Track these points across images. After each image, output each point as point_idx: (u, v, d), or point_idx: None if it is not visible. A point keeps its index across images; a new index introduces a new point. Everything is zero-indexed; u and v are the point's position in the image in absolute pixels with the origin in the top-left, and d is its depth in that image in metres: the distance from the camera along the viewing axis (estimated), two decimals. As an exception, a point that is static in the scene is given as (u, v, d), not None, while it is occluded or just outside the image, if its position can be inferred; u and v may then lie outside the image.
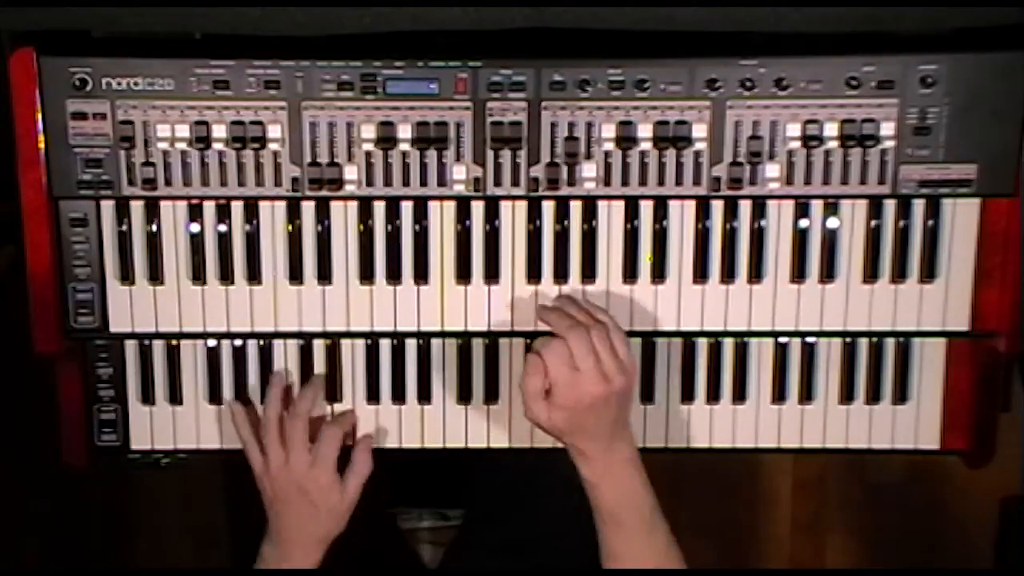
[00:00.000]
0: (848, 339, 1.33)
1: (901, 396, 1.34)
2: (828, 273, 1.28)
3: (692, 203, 1.27)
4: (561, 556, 1.46)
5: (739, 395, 1.34)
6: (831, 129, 1.24)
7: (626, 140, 1.24)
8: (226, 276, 1.28)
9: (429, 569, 1.59)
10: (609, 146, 1.24)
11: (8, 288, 1.37)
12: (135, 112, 1.22)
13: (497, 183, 1.25)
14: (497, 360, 1.33)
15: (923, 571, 2.11)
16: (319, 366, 1.33)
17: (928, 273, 1.28)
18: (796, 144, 1.24)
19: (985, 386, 1.33)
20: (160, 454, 1.36)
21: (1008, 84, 1.22)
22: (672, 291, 1.29)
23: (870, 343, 1.33)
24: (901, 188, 1.26)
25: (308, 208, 1.27)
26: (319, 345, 1.33)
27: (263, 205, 1.27)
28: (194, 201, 1.27)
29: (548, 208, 1.28)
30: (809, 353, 1.33)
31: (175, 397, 1.33)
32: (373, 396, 1.34)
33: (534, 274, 1.28)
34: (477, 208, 1.27)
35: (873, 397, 1.34)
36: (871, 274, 1.28)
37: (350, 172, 1.25)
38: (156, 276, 1.28)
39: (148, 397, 1.33)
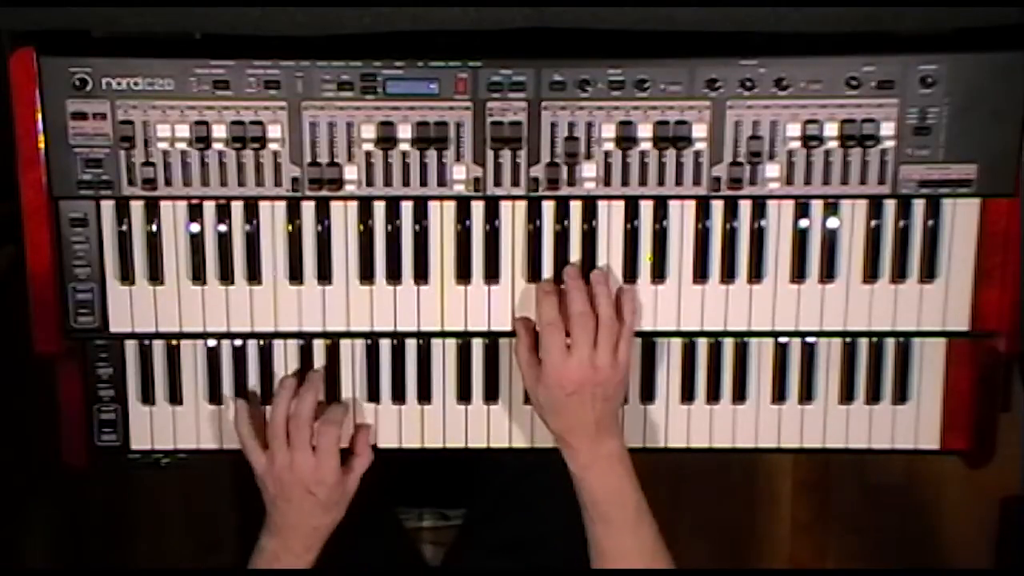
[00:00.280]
0: (848, 339, 1.33)
1: (901, 396, 1.34)
2: (828, 273, 1.28)
3: (692, 203, 1.27)
4: (561, 556, 1.46)
5: (739, 395, 1.34)
6: (831, 129, 1.24)
7: (626, 140, 1.24)
8: (226, 276, 1.28)
9: (429, 569, 1.59)
10: (609, 146, 1.24)
11: (8, 288, 1.37)
12: (135, 112, 1.22)
13: (497, 183, 1.25)
14: (497, 360, 1.33)
15: (923, 571, 2.11)
16: (319, 366, 1.33)
17: (928, 273, 1.28)
18: (796, 144, 1.24)
19: (985, 386, 1.33)
20: (160, 454, 1.36)
21: (1008, 84, 1.22)
22: (672, 291, 1.29)
23: (870, 343, 1.33)
24: (901, 188, 1.26)
25: (308, 208, 1.27)
26: (319, 345, 1.33)
27: (263, 205, 1.27)
28: (194, 201, 1.27)
29: (548, 208, 1.28)
30: (809, 353, 1.33)
31: (175, 397, 1.34)
32: (373, 396, 1.34)
33: (534, 274, 1.28)
34: (477, 208, 1.27)
35: (873, 397, 1.34)
36: (871, 274, 1.28)
37: (350, 172, 1.25)
38: (156, 276, 1.28)
39: (148, 397, 1.33)
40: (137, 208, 1.26)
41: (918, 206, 1.27)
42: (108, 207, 1.26)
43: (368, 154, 1.24)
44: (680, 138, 1.24)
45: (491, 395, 1.34)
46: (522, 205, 1.27)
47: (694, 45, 1.22)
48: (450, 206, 1.27)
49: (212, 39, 1.22)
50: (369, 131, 1.24)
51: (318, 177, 1.25)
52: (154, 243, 1.27)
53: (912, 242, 1.28)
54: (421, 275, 1.28)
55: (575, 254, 1.28)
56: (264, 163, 1.24)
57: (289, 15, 1.16)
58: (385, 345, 1.33)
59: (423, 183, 1.25)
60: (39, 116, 1.22)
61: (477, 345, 1.33)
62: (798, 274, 1.29)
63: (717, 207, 1.27)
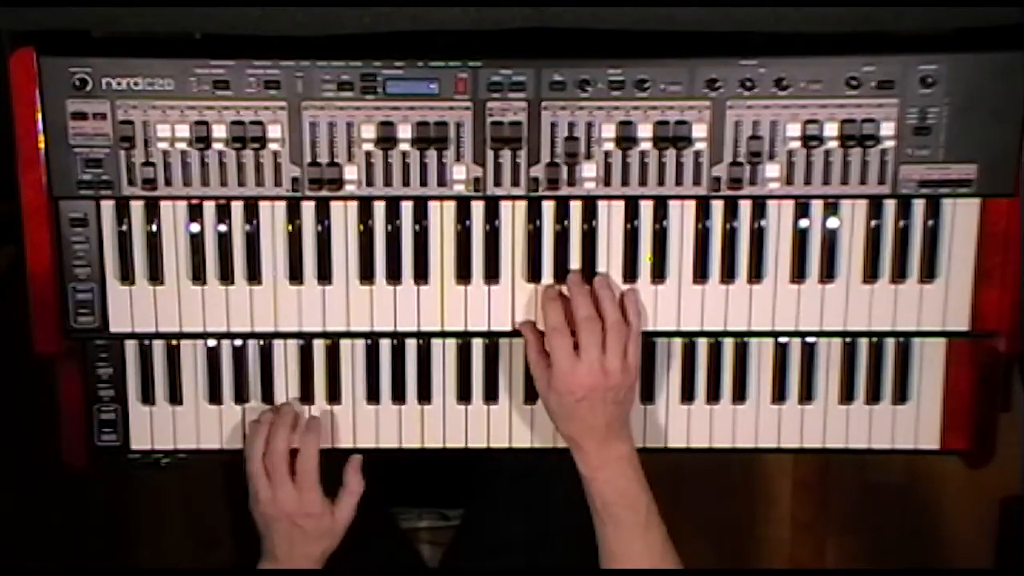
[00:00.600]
0: (848, 339, 1.33)
1: (901, 396, 1.34)
2: (828, 273, 1.28)
3: (692, 203, 1.27)
4: (561, 556, 1.46)
5: (739, 395, 1.34)
6: (831, 129, 1.24)
7: (626, 140, 1.24)
8: (226, 276, 1.28)
9: (429, 569, 1.59)
10: (609, 146, 1.24)
11: (8, 288, 1.37)
12: (135, 112, 1.22)
13: (497, 183, 1.25)
14: (497, 360, 1.33)
15: (923, 571, 2.11)
16: (319, 366, 1.33)
17: (928, 273, 1.28)
18: (796, 144, 1.24)
19: (985, 386, 1.33)
20: (160, 454, 1.36)
21: (1008, 84, 1.22)
22: (672, 291, 1.29)
23: (870, 343, 1.33)
24: (901, 188, 1.25)
25: (308, 208, 1.27)
26: (319, 345, 1.33)
27: (263, 205, 1.27)
28: (194, 201, 1.27)
29: (548, 208, 1.28)
30: (809, 353, 1.33)
31: (175, 397, 1.34)
32: (373, 396, 1.34)
33: (534, 274, 1.28)
34: (477, 208, 1.27)
35: (873, 397, 1.34)
36: (871, 274, 1.28)
37: (350, 172, 1.25)
38: (156, 276, 1.28)
39: (148, 397, 1.33)
40: (137, 208, 1.26)
41: (918, 206, 1.27)
42: (108, 207, 1.26)
43: (368, 154, 1.24)
44: (680, 138, 1.24)
45: (491, 395, 1.34)
46: (522, 205, 1.27)
47: (694, 45, 1.22)
48: (450, 206, 1.27)
49: (212, 39, 1.22)
50: (369, 131, 1.24)
51: (318, 177, 1.25)
52: (154, 243, 1.27)
53: (912, 242, 1.28)
54: (421, 275, 1.28)
55: (575, 254, 1.28)
56: (264, 163, 1.24)
57: (289, 15, 1.15)
58: (385, 345, 1.33)
59: (423, 183, 1.25)
60: (39, 116, 1.22)
61: (477, 345, 1.33)
62: (798, 274, 1.29)
63: (717, 207, 1.27)
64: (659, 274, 1.28)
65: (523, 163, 1.25)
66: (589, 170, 1.25)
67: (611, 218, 1.28)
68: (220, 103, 1.22)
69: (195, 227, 1.27)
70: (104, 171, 1.24)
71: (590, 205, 1.27)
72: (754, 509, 2.19)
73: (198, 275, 1.28)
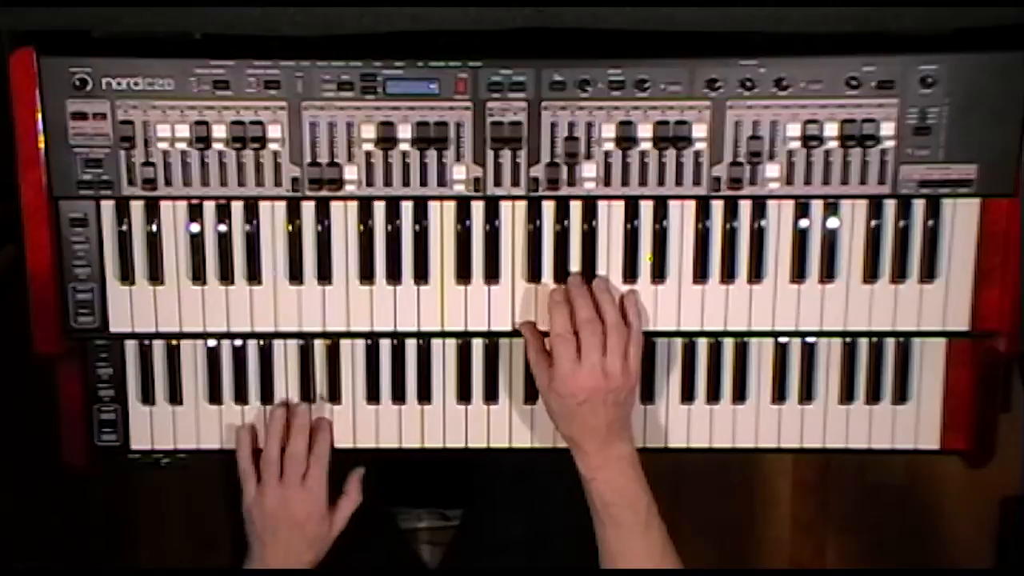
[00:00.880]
0: (848, 339, 1.33)
1: (901, 396, 1.34)
2: (828, 273, 1.28)
3: (692, 203, 1.27)
4: (561, 556, 1.46)
5: (739, 395, 1.34)
6: (831, 129, 1.24)
7: (626, 140, 1.24)
8: (226, 276, 1.28)
9: (429, 569, 1.59)
10: (609, 146, 1.24)
11: (8, 288, 1.37)
12: (135, 112, 1.22)
13: (497, 183, 1.25)
14: (497, 360, 1.33)
15: (923, 571, 2.11)
16: (319, 366, 1.33)
17: (928, 273, 1.28)
18: (796, 144, 1.24)
19: (985, 386, 1.33)
20: (160, 454, 1.36)
21: (1008, 84, 1.22)
22: (672, 291, 1.29)
23: (870, 343, 1.33)
24: (901, 188, 1.25)
25: (308, 208, 1.27)
26: (319, 345, 1.33)
27: (263, 205, 1.27)
28: (194, 201, 1.27)
29: (548, 208, 1.28)
30: (809, 353, 1.33)
31: (175, 397, 1.34)
32: (373, 396, 1.34)
33: (534, 274, 1.28)
34: (477, 208, 1.27)
35: (873, 397, 1.34)
36: (871, 274, 1.28)
37: (350, 172, 1.25)
38: (156, 276, 1.28)
39: (148, 397, 1.33)
40: (137, 208, 1.26)
41: (918, 206, 1.27)
42: (108, 207, 1.26)
43: (368, 154, 1.24)
44: (680, 138, 1.24)
45: (491, 395, 1.34)
46: (522, 205, 1.27)
47: (694, 45, 1.22)
48: (450, 206, 1.27)
49: (212, 39, 1.22)
50: (369, 131, 1.24)
51: (318, 177, 1.25)
52: (154, 243, 1.27)
53: (912, 242, 1.28)
54: (421, 275, 1.28)
55: (575, 254, 1.28)
56: (264, 163, 1.24)
57: (289, 15, 1.16)
58: (385, 345, 1.33)
59: (423, 183, 1.25)
60: (39, 116, 1.22)
61: (477, 345, 1.33)
62: (798, 274, 1.29)
63: (717, 207, 1.27)
64: (659, 274, 1.28)
65: (523, 163, 1.25)
66: (589, 170, 1.25)
67: (611, 218, 1.28)
68: (220, 103, 1.22)
69: (195, 227, 1.27)
70: (104, 171, 1.24)
71: (590, 205, 1.27)
72: (754, 509, 2.19)
73: (198, 275, 1.28)
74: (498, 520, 1.53)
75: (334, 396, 1.34)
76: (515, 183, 1.26)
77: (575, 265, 1.28)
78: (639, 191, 1.26)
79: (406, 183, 1.26)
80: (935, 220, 1.27)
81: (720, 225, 1.28)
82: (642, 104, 1.23)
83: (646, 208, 1.27)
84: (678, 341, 1.34)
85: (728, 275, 1.28)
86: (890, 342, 1.33)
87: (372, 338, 1.33)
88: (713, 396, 1.34)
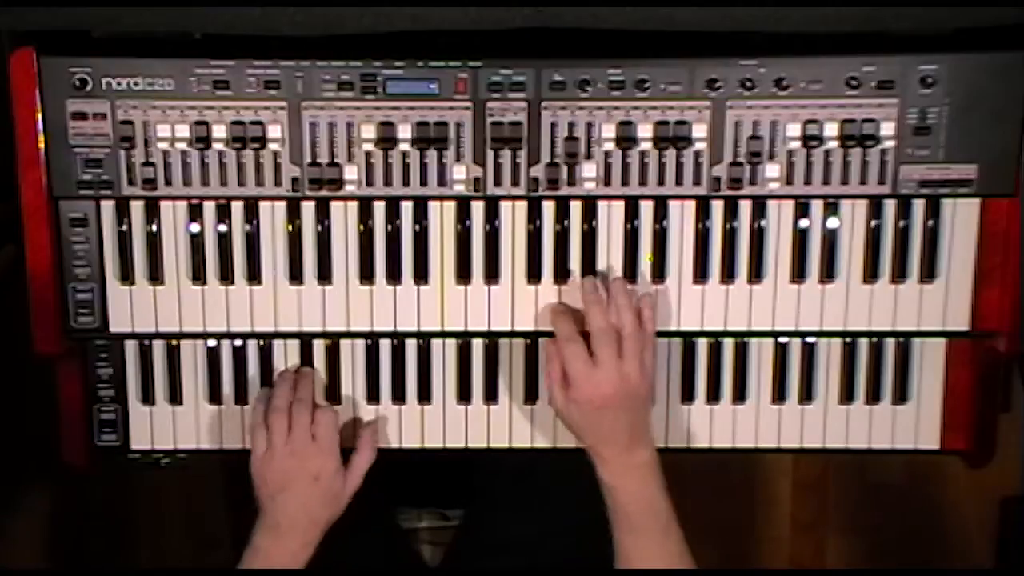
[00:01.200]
0: (848, 339, 1.33)
1: (901, 396, 1.34)
2: (828, 273, 1.28)
3: (692, 203, 1.27)
4: (561, 556, 1.46)
5: (739, 395, 1.34)
6: (831, 129, 1.24)
7: (626, 140, 1.24)
8: (226, 276, 1.28)
9: (429, 569, 1.59)
10: (609, 146, 1.24)
11: (8, 288, 1.37)
12: (135, 112, 1.22)
13: (497, 183, 1.26)
14: (497, 360, 1.33)
15: (923, 571, 2.11)
16: (319, 366, 1.33)
17: (928, 273, 1.28)
18: (796, 144, 1.24)
19: (985, 386, 1.33)
20: (160, 454, 1.36)
21: (1008, 84, 1.22)
22: (672, 291, 1.29)
23: (870, 343, 1.33)
24: (901, 188, 1.26)
25: (308, 208, 1.27)
26: (319, 345, 1.33)
27: (263, 205, 1.27)
28: (194, 201, 1.27)
29: (548, 208, 1.28)
30: (809, 353, 1.33)
31: (175, 397, 1.34)
32: (373, 396, 1.34)
33: (534, 274, 1.28)
34: (477, 208, 1.27)
35: (873, 397, 1.34)
36: (871, 274, 1.28)
37: (350, 172, 1.25)
38: (156, 276, 1.28)
39: (148, 397, 1.33)
40: (137, 208, 1.26)
41: (918, 206, 1.27)
42: (108, 207, 1.26)
43: (368, 154, 1.25)
44: (680, 138, 1.24)
45: (491, 395, 1.34)
46: (522, 205, 1.27)
47: (694, 45, 1.22)
48: (450, 206, 1.27)
49: (212, 39, 1.22)
50: (369, 131, 1.24)
51: (318, 177, 1.25)
52: (154, 243, 1.27)
53: (912, 242, 1.28)
54: (421, 275, 1.28)
55: (575, 254, 1.28)
56: (264, 163, 1.24)
57: (289, 15, 1.16)
58: (385, 345, 1.33)
59: (423, 183, 1.25)
60: (39, 116, 1.22)
61: (477, 345, 1.33)
62: (798, 274, 1.29)
63: (717, 207, 1.27)
64: (659, 274, 1.28)
65: (523, 163, 1.25)
66: (589, 170, 1.25)
67: (611, 218, 1.28)
68: (220, 103, 1.22)
69: (195, 227, 1.27)
70: (104, 171, 1.24)
71: (590, 205, 1.27)
72: (754, 509, 2.19)
73: (198, 275, 1.28)
74: (500, 520, 1.53)
75: (334, 396, 1.34)
76: (515, 183, 1.26)
77: (575, 265, 1.29)
78: (639, 191, 1.26)
79: (406, 183, 1.26)
80: (935, 220, 1.27)
81: (720, 225, 1.28)
82: (642, 104, 1.23)
83: (646, 208, 1.27)
84: (678, 341, 1.33)
85: (728, 275, 1.28)
86: (890, 342, 1.33)
87: (372, 338, 1.33)
88: (713, 396, 1.34)
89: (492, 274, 1.28)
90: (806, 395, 1.34)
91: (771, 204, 1.27)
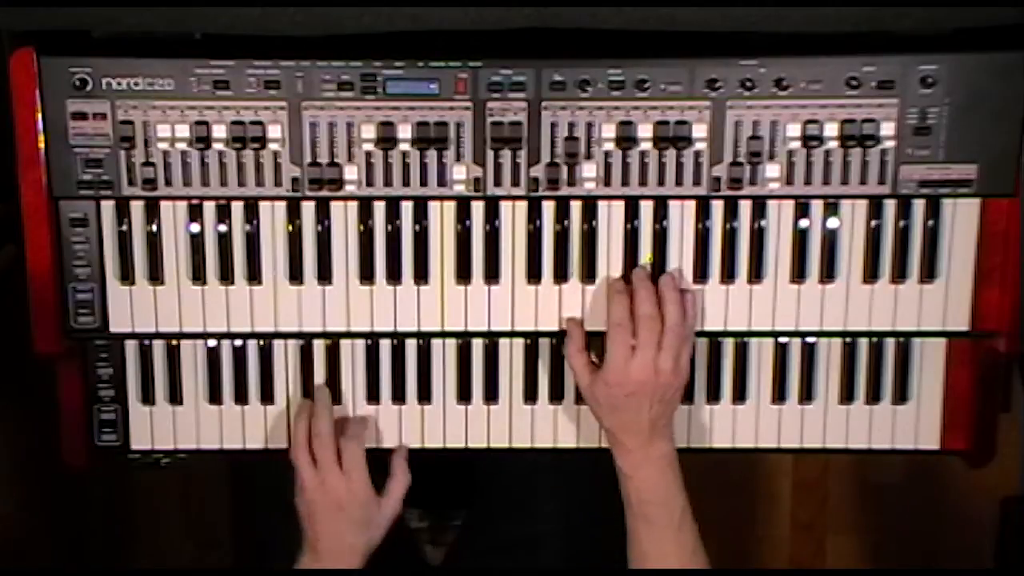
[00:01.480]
0: (848, 339, 1.33)
1: (901, 396, 1.34)
2: (828, 273, 1.28)
3: (692, 203, 1.27)
4: (561, 556, 1.46)
5: (739, 395, 1.34)
6: (831, 129, 1.24)
7: (626, 140, 1.24)
8: (226, 276, 1.28)
9: (429, 569, 1.59)
10: (609, 146, 1.24)
11: (8, 288, 1.37)
12: (135, 112, 1.22)
13: (497, 183, 1.25)
14: (497, 360, 1.33)
15: (923, 571, 2.11)
16: (319, 366, 1.33)
17: (928, 273, 1.28)
18: (796, 144, 1.24)
19: (985, 386, 1.33)
20: (160, 454, 1.36)
21: (1008, 84, 1.22)
22: (672, 291, 1.29)
23: (870, 343, 1.33)
24: (901, 188, 1.25)
25: (308, 208, 1.27)
26: (319, 345, 1.33)
27: (263, 205, 1.27)
28: (194, 201, 1.27)
29: (548, 208, 1.28)
30: (809, 353, 1.33)
31: (175, 397, 1.34)
32: (373, 396, 1.34)
33: (534, 274, 1.28)
34: (477, 208, 1.27)
35: (873, 397, 1.34)
36: (871, 274, 1.28)
37: (350, 172, 1.25)
38: (156, 276, 1.28)
39: (148, 397, 1.33)
40: (137, 208, 1.26)
41: (918, 206, 1.27)
42: (108, 207, 1.26)
43: (368, 154, 1.24)
44: (680, 138, 1.24)
45: (491, 395, 1.34)
46: (522, 205, 1.27)
47: (694, 45, 1.22)
48: (450, 206, 1.27)
49: (212, 39, 1.22)
50: (369, 131, 1.24)
51: (318, 177, 1.25)
52: (154, 243, 1.27)
53: (912, 242, 1.28)
54: (421, 275, 1.28)
55: (575, 254, 1.28)
56: (264, 163, 1.24)
57: (289, 15, 1.16)
58: (385, 345, 1.33)
59: (423, 183, 1.25)
60: (39, 116, 1.22)
61: (477, 345, 1.33)
62: (798, 274, 1.29)
63: (717, 207, 1.27)
64: (659, 274, 1.28)
65: (523, 163, 1.25)
66: (589, 170, 1.25)
67: (611, 218, 1.28)
68: (220, 103, 1.22)
69: (195, 227, 1.27)
70: (104, 171, 1.24)
71: (590, 205, 1.27)
72: (754, 509, 2.20)
73: (198, 275, 1.28)
74: (500, 520, 1.53)
75: (334, 396, 1.34)
76: (515, 183, 1.26)
77: (575, 265, 1.29)
78: (639, 191, 1.26)
79: (406, 183, 1.26)
80: (935, 220, 1.27)
81: (720, 225, 1.28)
82: (642, 104, 1.23)
83: (646, 208, 1.27)
84: (678, 341, 1.33)
85: (728, 275, 1.28)
86: (890, 342, 1.33)
87: (372, 338, 1.33)
88: (713, 396, 1.34)
89: (492, 274, 1.28)
90: (806, 395, 1.34)
91: (771, 204, 1.27)
